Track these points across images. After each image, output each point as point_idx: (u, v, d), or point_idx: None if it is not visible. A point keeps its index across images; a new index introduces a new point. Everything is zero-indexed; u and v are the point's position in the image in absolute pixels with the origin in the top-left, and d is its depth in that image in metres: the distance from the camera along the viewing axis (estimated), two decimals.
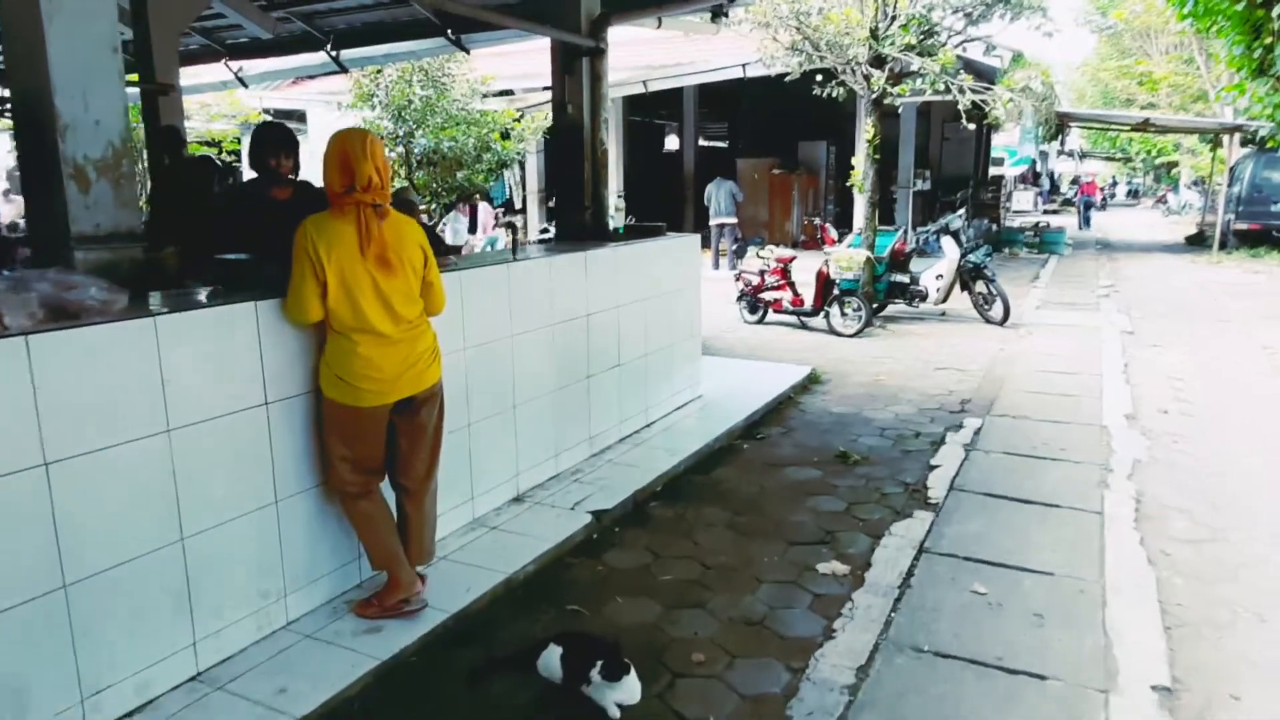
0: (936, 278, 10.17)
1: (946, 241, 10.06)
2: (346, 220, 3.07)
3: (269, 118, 19.38)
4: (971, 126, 8.97)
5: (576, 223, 6.47)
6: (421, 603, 3.38)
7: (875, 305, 10.44)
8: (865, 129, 9.59)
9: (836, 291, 9.52)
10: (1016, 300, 11.90)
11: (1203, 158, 29.94)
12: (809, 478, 5.12)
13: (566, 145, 6.47)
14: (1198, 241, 21.70)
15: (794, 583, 3.79)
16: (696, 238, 6.65)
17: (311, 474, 3.32)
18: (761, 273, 10.18)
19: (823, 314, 9.62)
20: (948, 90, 8.92)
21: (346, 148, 3.06)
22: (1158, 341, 9.04)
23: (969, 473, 5.10)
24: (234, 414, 3.01)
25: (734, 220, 15.40)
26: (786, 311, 10.01)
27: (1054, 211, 38.02)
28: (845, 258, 9.32)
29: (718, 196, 15.33)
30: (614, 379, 5.51)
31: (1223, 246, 18.81)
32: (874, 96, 9.49)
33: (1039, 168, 41.84)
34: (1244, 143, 20.10)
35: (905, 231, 10.86)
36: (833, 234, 10.26)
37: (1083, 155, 47.41)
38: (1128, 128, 23.27)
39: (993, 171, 34.05)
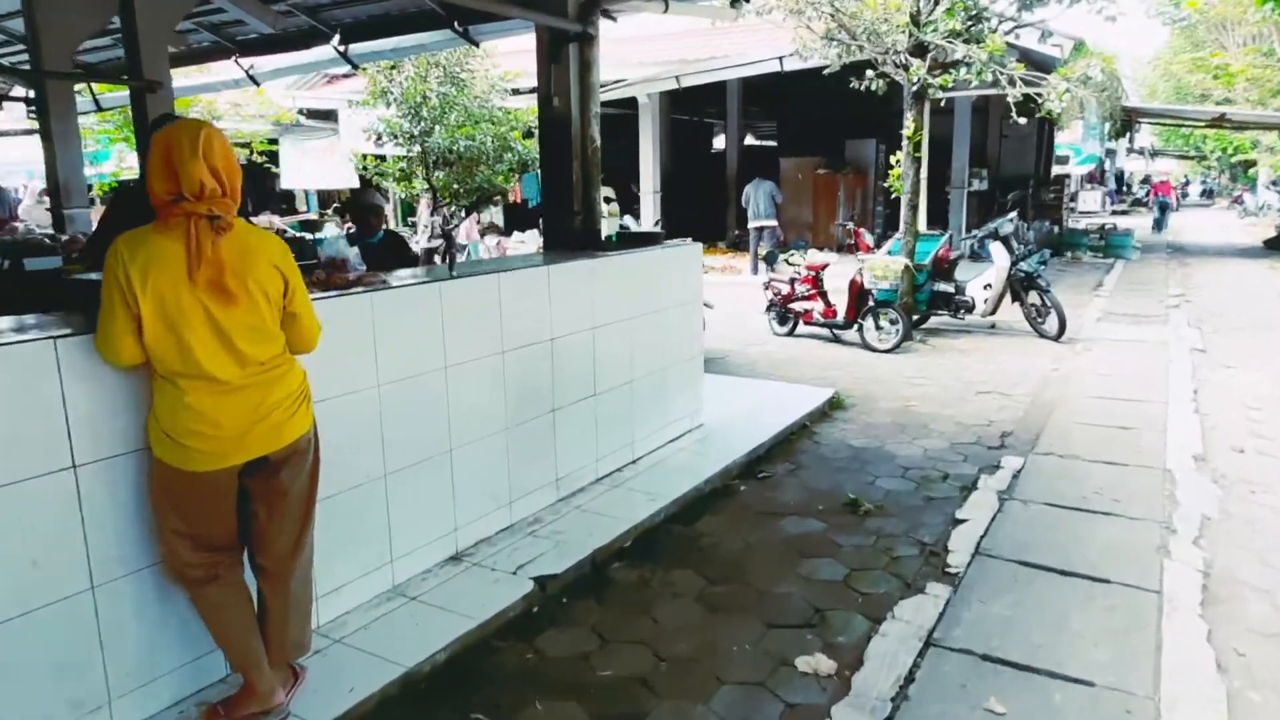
0: (984, 287, 9.25)
1: (995, 248, 9.13)
2: (173, 236, 2.41)
3: (302, 118, 19.16)
4: (1023, 121, 8.02)
5: (565, 229, 5.79)
6: (282, 715, 2.71)
7: (916, 317, 9.56)
8: (906, 124, 8.72)
9: (871, 303, 8.66)
10: (1075, 311, 10.89)
11: None
12: (808, 532, 4.35)
13: (553, 142, 5.80)
14: (1278, 245, 20.15)
15: (763, 685, 3.03)
16: (697, 247, 5.90)
17: (147, 549, 2.68)
18: (792, 281, 9.37)
19: (856, 327, 8.77)
20: (996, 81, 8.00)
21: (170, 145, 2.40)
22: (1232, 361, 8.00)
23: (1001, 531, 4.27)
24: (20, 483, 2.37)
25: (774, 223, 14.57)
26: (817, 324, 9.18)
27: (1123, 212, 36.24)
28: (881, 266, 8.47)
29: (756, 198, 14.52)
30: (588, 411, 4.80)
31: None
32: (915, 89, 8.62)
33: (1107, 166, 39.98)
34: None
35: (951, 236, 9.94)
36: (867, 239, 9.39)
37: (1154, 153, 45.22)
38: (1202, 124, 21.78)
39: (1058, 170, 32.57)
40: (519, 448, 4.31)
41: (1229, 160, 36.81)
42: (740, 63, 12.70)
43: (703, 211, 19.16)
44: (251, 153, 17.67)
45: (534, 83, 5.72)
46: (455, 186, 11.99)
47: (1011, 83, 7.91)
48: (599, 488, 4.79)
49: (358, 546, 3.48)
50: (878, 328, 8.60)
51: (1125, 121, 19.42)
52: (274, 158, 18.78)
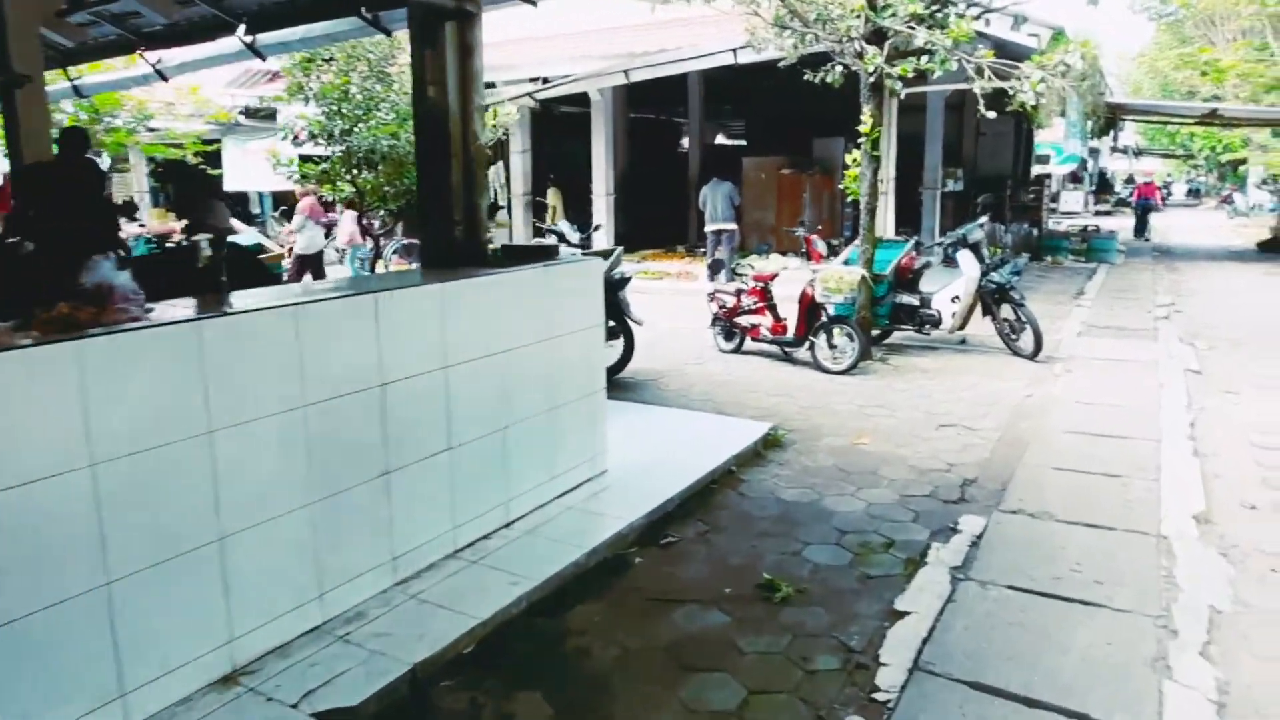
0: (952, 300, 8.33)
1: (964, 257, 8.21)
2: None
3: (242, 118, 18.15)
4: (992, 115, 7.11)
5: (444, 242, 4.84)
6: None
7: (877, 333, 8.64)
8: (864, 119, 7.78)
9: (824, 318, 7.73)
10: (1055, 323, 10.00)
11: (1276, 154, 27.40)
12: (706, 629, 3.40)
13: (430, 140, 4.86)
14: (1273, 248, 19.39)
15: None
16: (597, 263, 4.93)
17: None
18: (738, 292, 8.44)
19: (807, 345, 7.84)
20: (963, 72, 7.08)
21: None
22: (1233, 385, 7.11)
23: (950, 632, 3.33)
24: None
25: (733, 226, 13.64)
26: (766, 341, 8.24)
27: (1106, 213, 35.54)
28: (834, 277, 7.53)
29: (714, 200, 13.58)
30: (440, 469, 3.84)
31: None
32: (872, 80, 7.69)
33: (1090, 166, 39.28)
34: None
35: (917, 242, 9.02)
36: (820, 247, 8.45)
37: (1138, 152, 44.58)
38: (1190, 121, 20.98)
39: (1039, 170, 31.81)
40: (331, 524, 3.35)
41: (1217, 159, 36.13)
42: (692, 55, 11.77)
43: (666, 214, 18.24)
44: (185, 154, 16.66)
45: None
46: (386, 189, 11.01)
47: (980, 73, 6.99)
48: (453, 564, 3.83)
49: (82, 671, 2.52)
50: (831, 346, 7.67)
51: (1109, 118, 18.61)
52: (215, 159, 17.79)
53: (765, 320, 8.21)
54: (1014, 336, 8.21)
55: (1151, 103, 23.56)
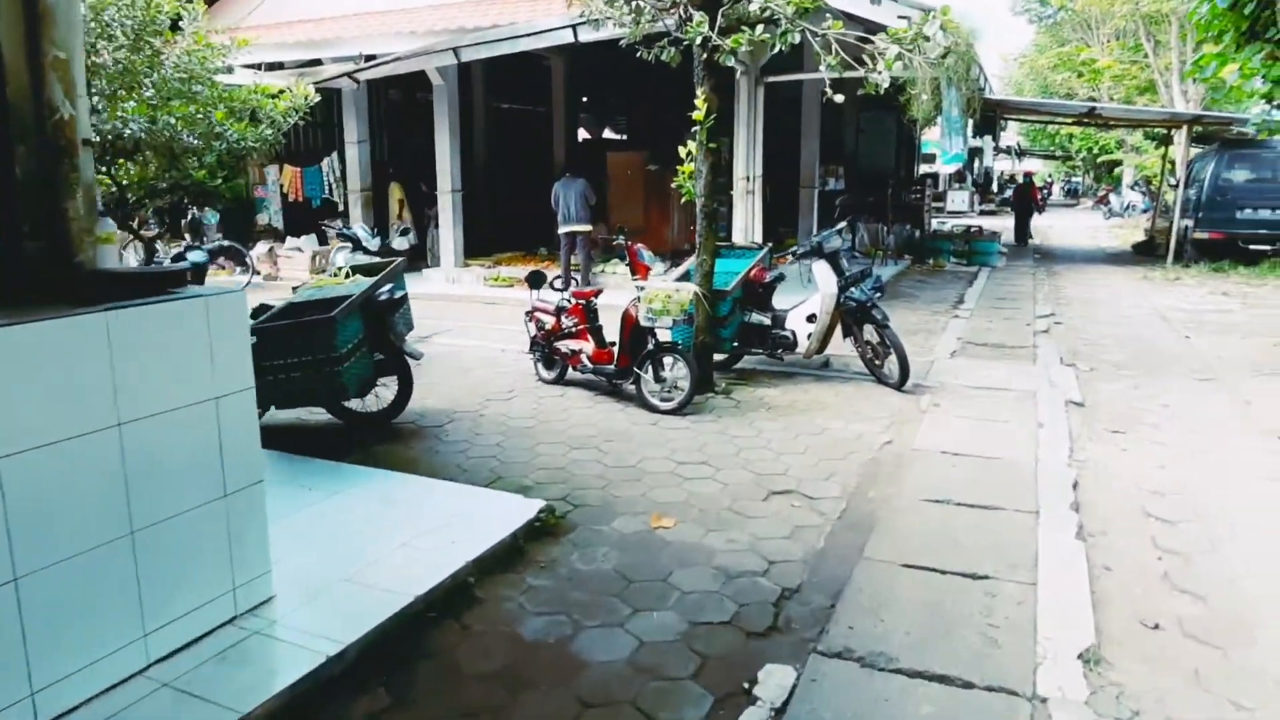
0: (807, 319, 7.09)
1: (819, 269, 6.97)
2: None
3: None
4: (840, 98, 5.82)
5: (11, 262, 3.22)
6: None
7: (724, 358, 7.34)
8: (697, 103, 6.40)
9: (651, 346, 6.35)
10: (930, 338, 8.92)
11: (1148, 155, 27.64)
12: None
13: None
14: (1147, 250, 19.12)
15: None
16: (237, 297, 3.36)
17: None
18: (559, 311, 6.99)
19: (632, 378, 6.45)
20: (801, 44, 5.78)
21: None
22: (1120, 423, 6.05)
23: None
24: None
25: (587, 227, 12.22)
26: (588, 371, 6.83)
27: (991, 212, 35.68)
28: (660, 296, 6.15)
29: (566, 199, 12.15)
30: None
31: (1179, 258, 16.19)
32: (705, 57, 6.34)
33: (977, 167, 39.52)
34: (1198, 139, 17.50)
35: (771, 251, 7.74)
36: (646, 259, 7.05)
37: (1021, 153, 45.25)
38: (1069, 120, 20.64)
39: (926, 169, 31.52)
40: None
41: (1094, 160, 36.70)
42: (528, 32, 10.26)
43: (533, 213, 16.70)
44: None
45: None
46: (159, 184, 9.12)
47: (827, 47, 5.70)
48: None
49: None
50: (658, 379, 6.30)
51: (989, 116, 17.95)
52: None
53: (587, 346, 6.79)
54: (878, 362, 7.02)
55: (1032, 101, 23.26)
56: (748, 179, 11.42)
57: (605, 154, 15.39)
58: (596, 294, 6.81)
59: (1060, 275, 15.36)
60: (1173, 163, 22.66)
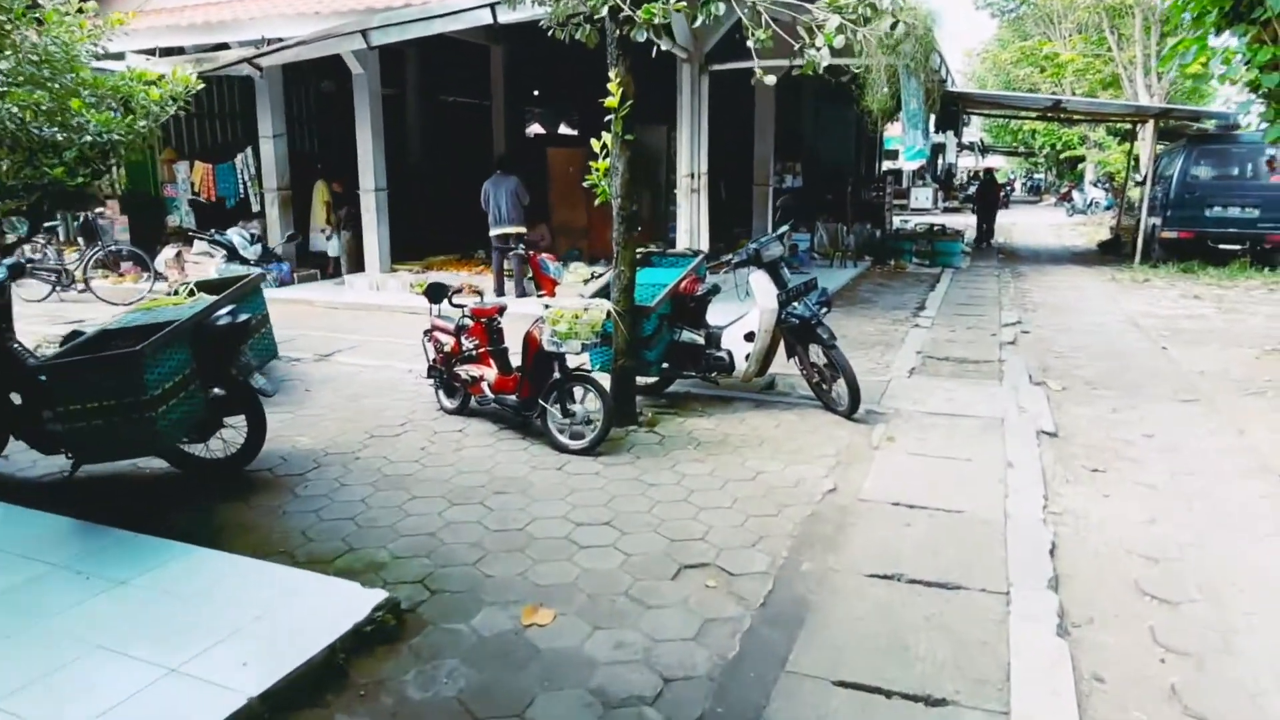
0: (745, 337, 6.20)
1: (757, 281, 6.08)
2: None
3: None
4: (770, 80, 4.94)
5: None
6: None
7: (652, 381, 6.44)
8: (610, 89, 5.47)
9: (558, 374, 5.42)
10: (887, 351, 8.10)
11: (1111, 152, 27.17)
12: None
13: None
14: (1113, 249, 18.54)
15: None
16: None
17: None
18: (459, 331, 6.03)
19: (537, 411, 5.50)
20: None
21: None
22: (1099, 459, 5.23)
23: None
24: None
25: (521, 229, 11.23)
26: (488, 402, 5.88)
27: (954, 209, 35.18)
28: (567, 316, 5.20)
29: (496, 198, 11.17)
30: None
31: (1146, 258, 15.57)
32: (618, 33, 5.42)
33: (940, 163, 39.05)
34: (1164, 134, 16.90)
35: (705, 259, 6.84)
36: (552, 272, 6.08)
37: (984, 149, 44.86)
38: (1034, 114, 19.99)
39: (890, 166, 30.87)
40: None
41: (1057, 156, 36.32)
42: (441, 12, 9.26)
43: (473, 214, 15.67)
44: None
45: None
46: (11, 182, 8.02)
47: (756, 19, 4.80)
48: None
49: None
50: (566, 414, 5.37)
51: (952, 110, 17.24)
52: None
53: (489, 372, 5.84)
54: (825, 387, 6.15)
55: (996, 94, 22.58)
56: (693, 176, 10.52)
57: (545, 150, 14.39)
58: (499, 311, 5.85)
59: (1026, 277, 14.64)
60: (1137, 159, 22.17)
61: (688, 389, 6.80)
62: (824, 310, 5.93)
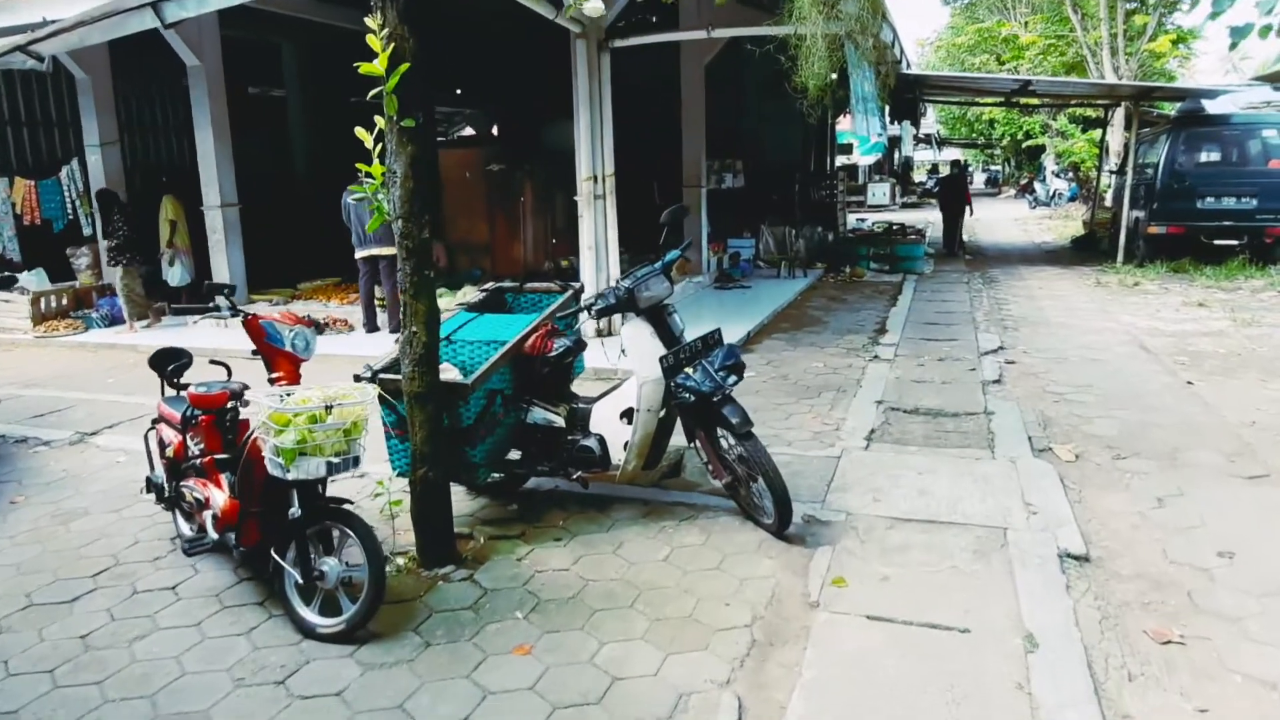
0: (623, 416, 4.16)
1: (633, 336, 4.04)
2: None
3: None
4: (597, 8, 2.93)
5: None
6: None
7: (496, 479, 4.39)
8: (373, 42, 3.40)
9: (296, 509, 3.33)
10: (839, 401, 6.17)
11: (1075, 140, 25.60)
12: None
13: None
14: (1089, 245, 16.84)
15: None
16: None
17: None
18: (185, 424, 3.89)
19: (271, 567, 3.40)
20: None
21: None
22: (1166, 615, 3.28)
23: None
24: None
25: (393, 250, 9.11)
26: (205, 545, 3.77)
27: (913, 204, 33.59)
28: (302, 418, 3.12)
29: (359, 214, 9.05)
30: None
31: (1130, 256, 13.82)
32: None
33: (897, 157, 37.50)
34: (1143, 121, 15.17)
35: (575, 295, 4.79)
36: (285, 341, 3.80)
37: (941, 142, 43.39)
38: (998, 99, 18.23)
39: (844, 161, 29.12)
40: None
41: (1018, 146, 34.84)
42: None
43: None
44: None
45: None
46: None
47: None
48: None
49: None
50: (309, 574, 3.28)
51: (908, 99, 15.40)
52: None
53: (217, 495, 3.72)
54: (743, 490, 4.13)
55: (957, 75, 20.68)
56: (595, 179, 8.48)
57: (437, 153, 12.26)
58: (232, 399, 3.73)
59: (998, 283, 12.79)
60: (1107, 146, 20.54)
61: (557, 482, 4.75)
62: (732, 380, 3.90)
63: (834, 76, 8.95)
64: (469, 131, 21.38)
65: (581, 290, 5.01)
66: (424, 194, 3.57)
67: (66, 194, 11.20)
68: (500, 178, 11.42)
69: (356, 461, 3.27)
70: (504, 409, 4.17)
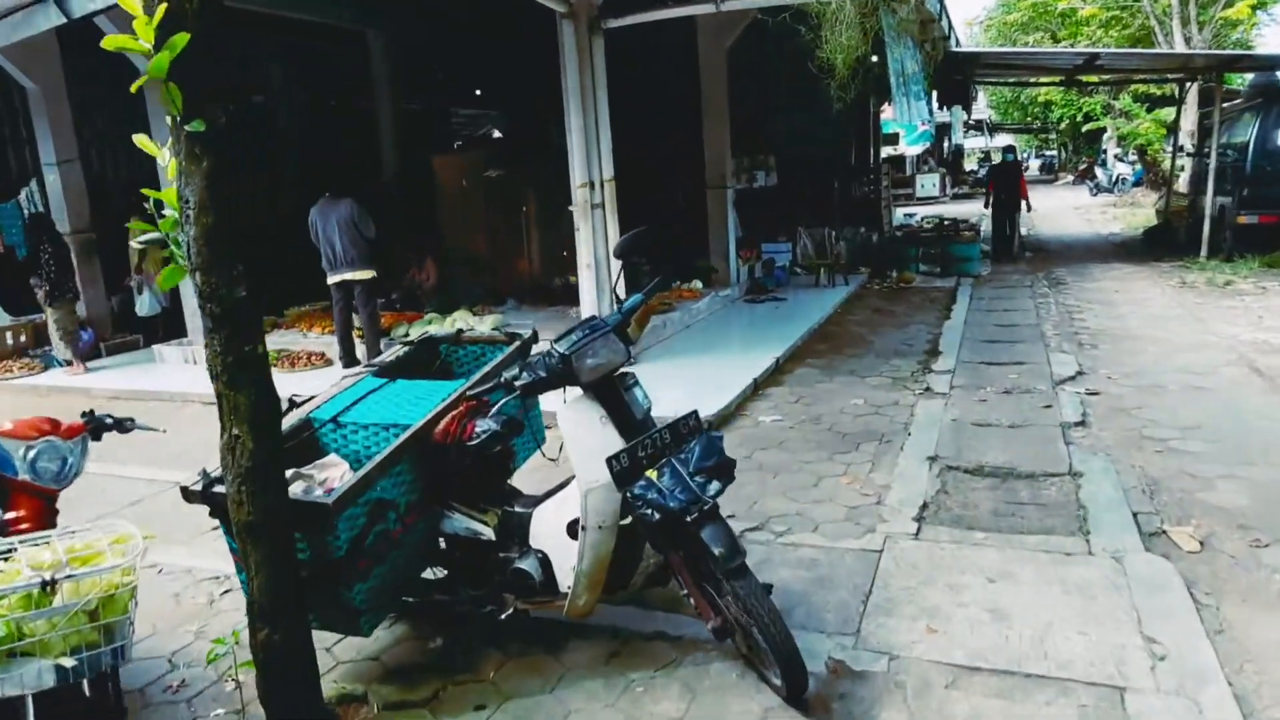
0: (569, 529, 2.96)
1: (572, 421, 2.85)
2: None
3: None
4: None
5: None
6: None
7: (394, 621, 3.21)
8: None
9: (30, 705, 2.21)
10: (881, 456, 4.87)
11: (1141, 121, 23.68)
12: None
13: None
14: (1165, 237, 15.14)
15: None
16: None
17: None
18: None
19: None
20: None
21: None
22: None
23: None
24: None
25: (368, 273, 8.08)
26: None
27: (965, 195, 31.75)
28: (15, 599, 2.02)
29: (327, 233, 8.00)
30: None
31: (1215, 250, 12.22)
32: None
33: (946, 144, 35.66)
34: (1207, 98, 13.49)
35: (524, 347, 3.61)
36: (19, 466, 2.66)
37: (993, 128, 41.30)
38: (1059, 77, 16.60)
39: (887, 152, 27.51)
40: None
41: (1077, 129, 32.77)
42: None
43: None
44: None
45: None
46: None
47: None
48: None
49: None
50: None
51: (958, 80, 13.93)
52: None
53: None
54: (738, 636, 2.91)
55: (1014, 51, 18.88)
56: (592, 185, 7.31)
57: (431, 161, 11.17)
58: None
59: (1068, 286, 11.32)
60: (1175, 126, 18.75)
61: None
62: (714, 487, 2.68)
63: (874, 59, 7.68)
64: (496, 134, 20.32)
65: (533, 340, 3.81)
66: (234, 232, 2.39)
67: (25, 212, 10.34)
68: (501, 188, 10.29)
69: (121, 654, 2.12)
70: (402, 524, 3.00)
